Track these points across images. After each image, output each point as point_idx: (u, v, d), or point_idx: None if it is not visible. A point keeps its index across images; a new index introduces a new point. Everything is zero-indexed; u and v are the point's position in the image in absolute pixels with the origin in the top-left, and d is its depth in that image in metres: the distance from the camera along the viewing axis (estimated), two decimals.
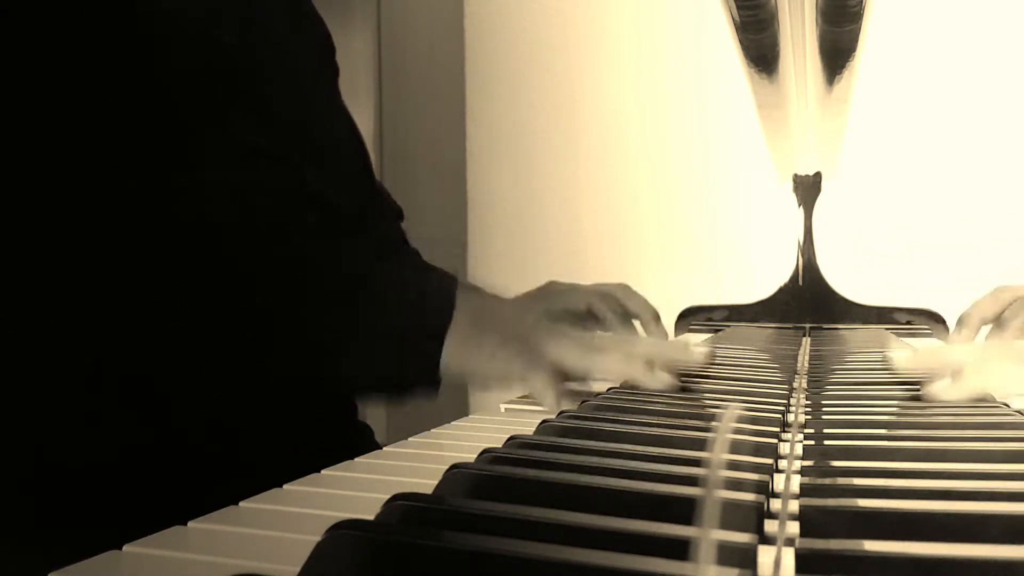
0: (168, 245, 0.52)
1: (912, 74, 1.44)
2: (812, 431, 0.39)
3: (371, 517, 0.26)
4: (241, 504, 0.31)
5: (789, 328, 1.04)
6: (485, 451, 0.34)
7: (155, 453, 0.54)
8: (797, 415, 0.44)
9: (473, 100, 1.77)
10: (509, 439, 0.37)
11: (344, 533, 0.23)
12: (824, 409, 0.45)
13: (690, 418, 0.44)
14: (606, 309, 0.71)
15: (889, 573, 0.22)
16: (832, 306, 1.05)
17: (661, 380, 0.57)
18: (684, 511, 0.25)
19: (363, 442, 0.72)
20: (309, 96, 0.72)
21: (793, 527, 0.25)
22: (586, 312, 0.70)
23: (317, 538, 0.23)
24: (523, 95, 1.73)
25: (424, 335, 0.55)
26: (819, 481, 0.29)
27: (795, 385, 0.55)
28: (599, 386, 0.57)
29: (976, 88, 1.43)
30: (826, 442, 0.37)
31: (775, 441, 0.37)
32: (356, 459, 0.38)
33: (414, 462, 0.38)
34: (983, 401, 0.48)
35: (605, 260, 1.65)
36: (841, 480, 0.30)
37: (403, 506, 0.26)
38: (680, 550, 0.22)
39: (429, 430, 0.46)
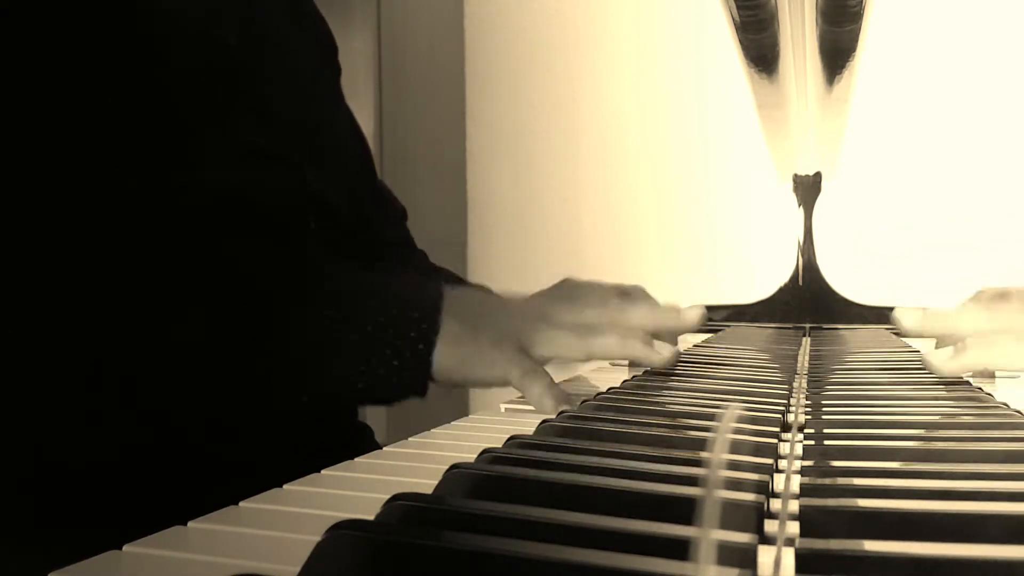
0: (168, 245, 0.52)
1: (912, 74, 1.44)
2: (812, 431, 0.39)
3: (371, 517, 0.26)
4: (241, 504, 0.31)
5: (789, 328, 1.04)
6: (485, 451, 0.34)
7: (155, 453, 0.54)
8: (797, 415, 0.44)
9: (473, 100, 1.77)
10: (509, 439, 0.37)
11: (344, 533, 0.23)
12: (824, 409, 0.45)
13: (690, 418, 0.44)
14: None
15: (889, 573, 0.22)
16: (832, 306, 1.05)
17: (662, 356, 0.57)
18: (684, 511, 0.25)
19: (363, 442, 0.72)
20: (309, 96, 0.72)
21: (793, 527, 0.25)
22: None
23: (317, 538, 0.23)
24: (523, 95, 1.73)
25: (408, 343, 0.53)
26: (819, 481, 0.29)
27: (795, 385, 0.55)
28: (599, 387, 0.57)
29: (976, 88, 1.43)
30: (826, 442, 0.37)
31: (775, 441, 0.37)
32: (356, 459, 0.38)
33: (414, 462, 0.38)
34: (983, 401, 0.48)
35: (605, 260, 1.65)
36: (841, 480, 0.30)
37: (403, 506, 0.26)
38: (680, 550, 0.22)
39: (429, 430, 0.46)
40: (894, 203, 1.43)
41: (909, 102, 1.44)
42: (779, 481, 0.31)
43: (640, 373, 0.63)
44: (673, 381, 0.57)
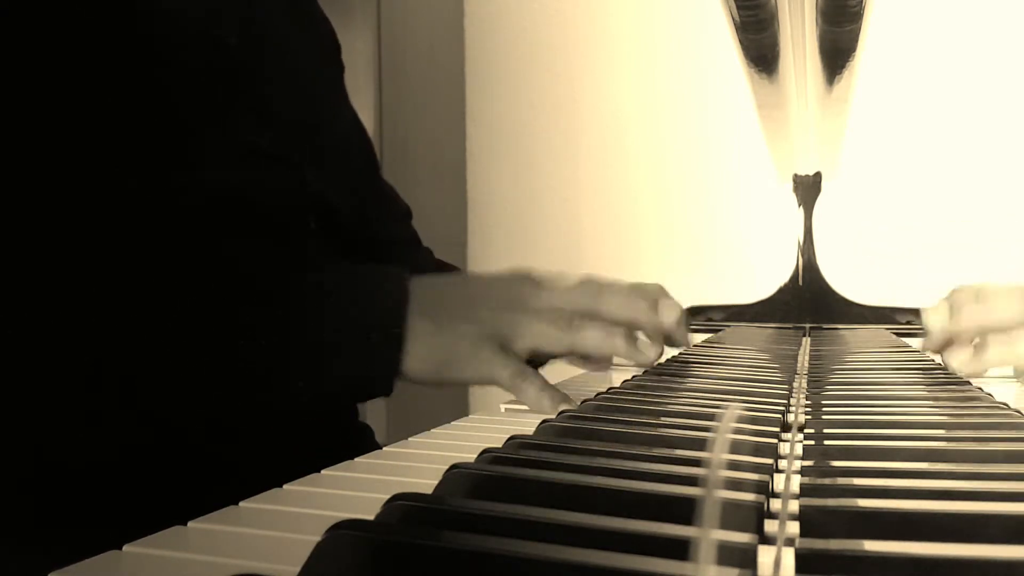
0: (168, 245, 0.52)
1: (912, 74, 1.44)
2: (812, 431, 0.39)
3: (371, 517, 0.26)
4: (241, 504, 0.31)
5: (789, 328, 1.04)
6: (485, 451, 0.34)
7: (155, 453, 0.54)
8: (797, 415, 0.44)
9: (473, 100, 1.77)
10: (509, 439, 0.37)
11: (344, 533, 0.23)
12: (824, 409, 0.45)
13: (690, 418, 0.44)
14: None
15: (889, 573, 0.22)
16: (832, 306, 1.05)
17: (645, 355, 0.55)
18: (684, 511, 0.25)
19: (363, 442, 0.72)
20: (310, 96, 0.72)
21: (793, 527, 0.25)
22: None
23: (317, 538, 0.23)
24: (523, 95, 1.73)
25: (370, 346, 0.51)
26: (819, 481, 0.29)
27: (795, 385, 0.55)
28: (599, 386, 0.57)
29: (976, 88, 1.43)
30: (826, 442, 0.37)
31: (775, 441, 0.37)
32: (356, 459, 0.38)
33: (414, 462, 0.38)
34: (983, 401, 0.48)
35: (605, 260, 1.65)
36: (841, 480, 0.30)
37: (403, 506, 0.26)
38: (680, 550, 0.22)
39: (429, 430, 0.46)
40: (894, 203, 1.43)
41: (909, 102, 1.45)
42: (779, 481, 0.31)
43: (640, 373, 0.63)
44: (673, 381, 0.57)
